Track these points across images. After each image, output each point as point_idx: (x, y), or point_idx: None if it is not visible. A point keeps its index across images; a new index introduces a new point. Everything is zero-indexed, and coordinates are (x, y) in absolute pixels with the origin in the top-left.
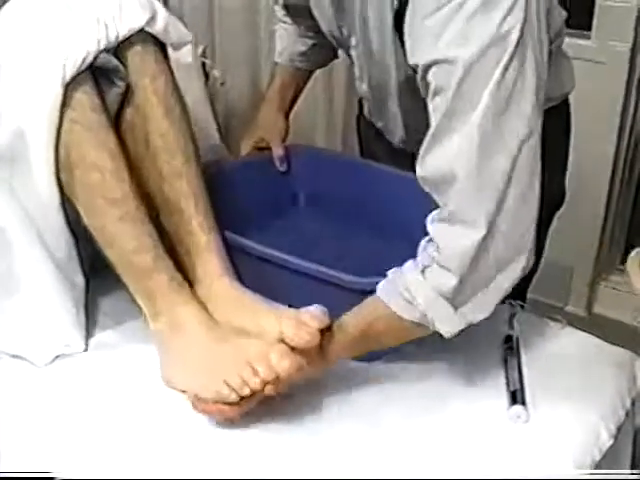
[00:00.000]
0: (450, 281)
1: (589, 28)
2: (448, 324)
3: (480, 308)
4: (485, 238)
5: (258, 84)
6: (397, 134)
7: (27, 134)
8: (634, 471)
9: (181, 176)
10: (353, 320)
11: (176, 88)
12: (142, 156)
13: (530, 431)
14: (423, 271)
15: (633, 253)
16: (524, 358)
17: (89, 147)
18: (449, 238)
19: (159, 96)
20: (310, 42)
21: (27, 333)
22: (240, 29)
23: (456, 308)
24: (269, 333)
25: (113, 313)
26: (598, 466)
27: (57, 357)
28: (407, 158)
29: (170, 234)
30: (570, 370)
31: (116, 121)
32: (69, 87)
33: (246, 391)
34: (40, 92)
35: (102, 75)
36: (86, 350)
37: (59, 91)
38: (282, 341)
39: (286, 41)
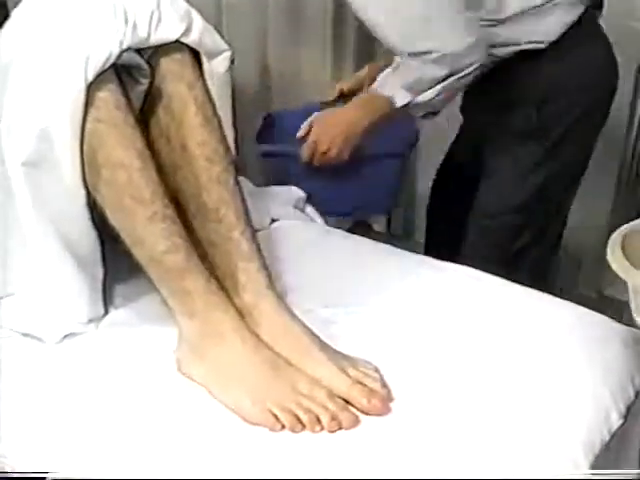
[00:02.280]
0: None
1: (600, 7)
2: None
3: None
4: None
5: (266, 65)
6: None
7: (52, 136)
8: (632, 471)
9: (220, 183)
10: None
11: (211, 96)
12: (178, 163)
13: (539, 410)
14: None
15: (615, 234)
16: (531, 336)
17: (115, 146)
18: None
19: (198, 104)
20: None
21: (39, 312)
22: (248, 9)
23: None
24: (328, 385)
25: (126, 292)
26: (607, 446)
27: (67, 336)
28: None
29: (204, 241)
30: (580, 349)
31: (147, 125)
32: (92, 86)
33: (298, 430)
34: (63, 92)
35: (125, 73)
36: (97, 326)
37: (82, 90)
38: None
39: None
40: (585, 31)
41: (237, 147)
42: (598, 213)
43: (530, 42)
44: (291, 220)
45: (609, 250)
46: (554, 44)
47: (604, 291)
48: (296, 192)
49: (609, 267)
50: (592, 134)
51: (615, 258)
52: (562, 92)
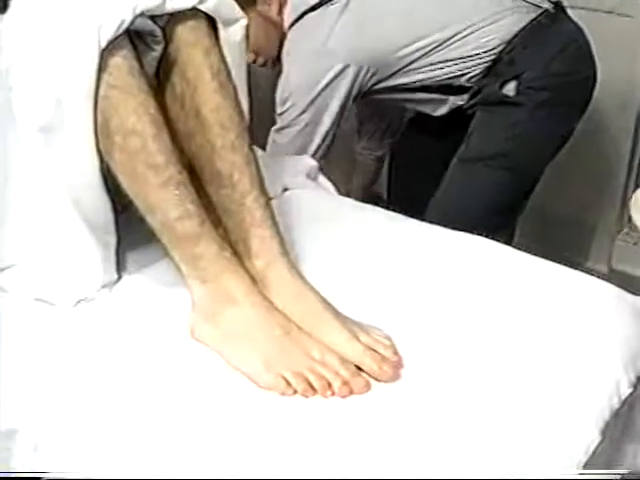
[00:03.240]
0: None
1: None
2: None
3: None
4: None
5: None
6: None
7: (65, 103)
8: (622, 471)
9: (235, 150)
10: None
11: (227, 64)
12: (192, 129)
13: (550, 378)
14: None
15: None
16: (542, 305)
17: (128, 112)
18: None
19: (213, 71)
20: None
21: (52, 278)
22: None
23: None
24: (340, 351)
25: (139, 258)
26: (617, 415)
27: (80, 301)
28: None
29: (218, 208)
30: (591, 319)
31: (161, 92)
32: (105, 52)
33: (310, 395)
34: (76, 59)
35: (138, 39)
36: (110, 292)
37: (95, 56)
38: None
39: None
40: (546, 27)
41: (251, 116)
42: (609, 186)
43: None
44: (303, 189)
45: (632, 206)
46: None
47: (614, 265)
48: (308, 161)
49: (621, 241)
50: (568, 114)
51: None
52: (532, 71)
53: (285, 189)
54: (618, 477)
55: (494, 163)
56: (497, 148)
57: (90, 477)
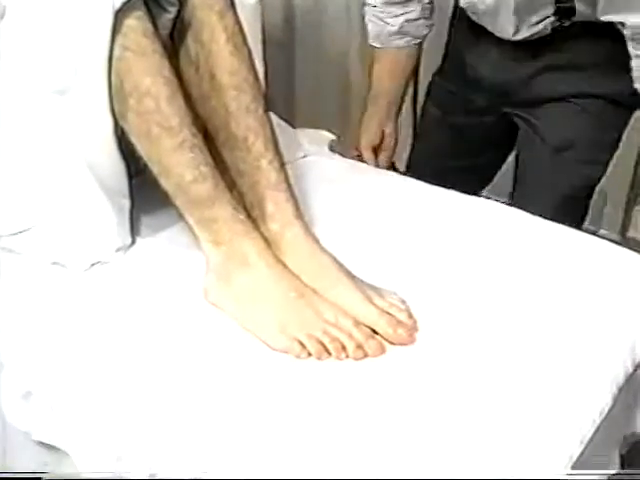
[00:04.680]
0: None
1: None
2: None
3: None
4: None
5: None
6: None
7: (79, 65)
8: (621, 471)
9: (249, 112)
10: None
11: (242, 26)
12: (207, 92)
13: (564, 340)
14: None
15: None
16: (558, 273)
17: (142, 74)
18: None
19: (228, 33)
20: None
21: (67, 241)
22: None
23: None
24: (354, 314)
25: (153, 222)
26: (631, 377)
27: (95, 264)
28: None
29: (233, 171)
30: (606, 283)
31: (176, 54)
32: (119, 14)
33: (324, 358)
34: (90, 20)
35: (153, 1)
36: (124, 255)
37: (109, 18)
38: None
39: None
40: None
41: (267, 83)
42: (623, 153)
43: None
44: (319, 156)
45: None
46: None
47: (627, 233)
48: (326, 135)
49: (634, 209)
50: None
51: None
52: None
53: (304, 156)
54: (605, 477)
55: (595, 160)
56: (603, 148)
57: (90, 477)
